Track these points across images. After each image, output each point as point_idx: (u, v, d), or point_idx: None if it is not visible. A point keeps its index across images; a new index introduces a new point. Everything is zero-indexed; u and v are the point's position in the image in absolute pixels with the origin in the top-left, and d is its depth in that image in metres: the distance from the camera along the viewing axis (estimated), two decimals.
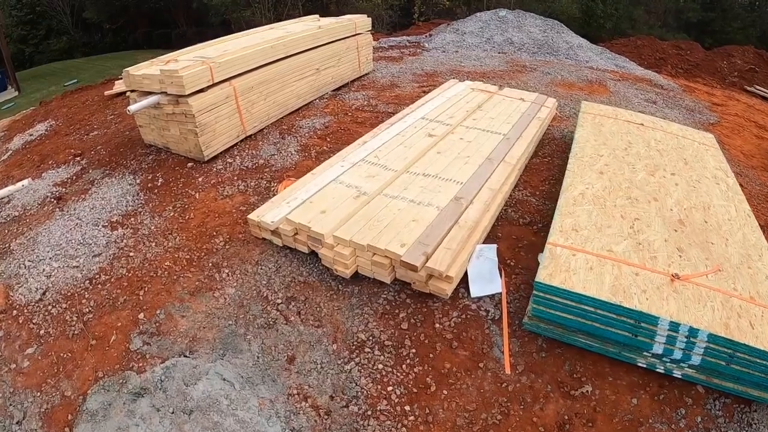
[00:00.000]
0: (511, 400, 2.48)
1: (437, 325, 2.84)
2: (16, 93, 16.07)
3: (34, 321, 3.23)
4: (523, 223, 3.72)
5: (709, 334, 2.31)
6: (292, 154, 4.61)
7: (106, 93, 6.57)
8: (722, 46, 10.89)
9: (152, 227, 3.89)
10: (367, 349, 2.70)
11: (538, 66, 7.77)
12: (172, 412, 2.39)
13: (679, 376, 2.49)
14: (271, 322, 2.86)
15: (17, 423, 2.61)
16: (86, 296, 3.32)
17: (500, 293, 3.06)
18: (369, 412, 2.43)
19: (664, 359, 2.48)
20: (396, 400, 2.48)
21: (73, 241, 3.88)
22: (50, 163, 4.99)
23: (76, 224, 4.06)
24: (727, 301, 2.53)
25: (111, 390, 2.59)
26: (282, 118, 5.36)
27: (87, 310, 3.21)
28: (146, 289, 3.24)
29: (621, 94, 6.93)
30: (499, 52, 8.49)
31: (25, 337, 3.14)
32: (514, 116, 4.89)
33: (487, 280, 3.11)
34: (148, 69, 4.66)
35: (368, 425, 2.37)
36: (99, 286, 3.39)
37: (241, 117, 4.82)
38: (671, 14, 17.84)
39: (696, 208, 3.45)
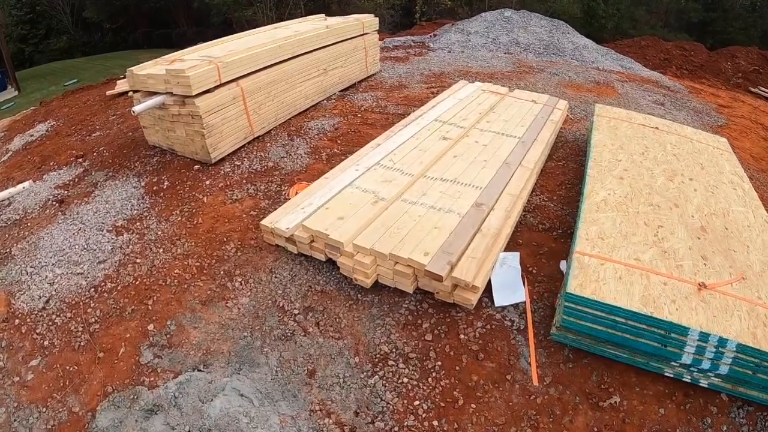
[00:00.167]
0: (540, 412, 2.41)
1: (462, 336, 2.74)
2: (16, 93, 15.87)
3: (37, 331, 3.09)
4: (543, 228, 3.63)
5: (737, 344, 2.27)
6: (301, 157, 4.48)
7: (108, 93, 6.41)
8: (723, 46, 10.89)
9: (159, 232, 3.76)
10: (390, 362, 2.59)
11: (545, 67, 7.69)
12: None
13: (706, 386, 2.45)
14: (288, 334, 2.74)
15: None
16: (92, 305, 3.19)
17: (524, 302, 2.97)
18: (396, 429, 2.32)
19: (691, 369, 2.43)
20: (423, 415, 2.38)
21: (77, 247, 3.74)
22: (51, 164, 4.84)
23: (80, 229, 3.92)
24: (753, 309, 2.48)
25: (122, 406, 2.46)
26: (290, 119, 5.23)
27: (93, 320, 3.08)
28: (155, 298, 3.11)
29: (629, 96, 6.87)
30: (505, 53, 8.41)
31: (29, 347, 3.00)
32: (528, 119, 4.80)
33: (510, 289, 3.02)
34: (152, 69, 4.52)
35: None
36: (105, 294, 3.26)
37: (248, 118, 4.69)
38: (673, 14, 17.86)
39: (716, 215, 3.41)
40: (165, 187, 4.28)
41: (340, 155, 4.46)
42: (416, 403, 2.44)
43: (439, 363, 2.60)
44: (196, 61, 4.35)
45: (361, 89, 6.21)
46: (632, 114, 5.12)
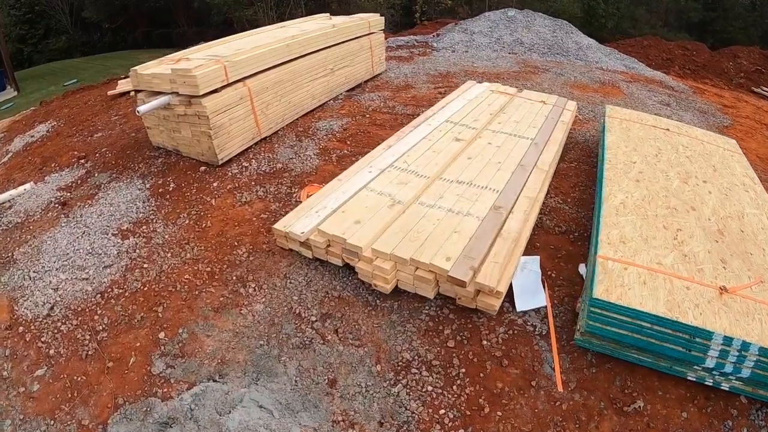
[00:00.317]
0: (566, 419, 2.37)
1: (485, 342, 2.67)
2: (15, 93, 15.70)
3: (42, 339, 2.98)
4: (559, 231, 3.57)
5: (760, 348, 2.27)
6: (311, 158, 4.39)
7: (109, 93, 6.28)
8: (724, 45, 10.91)
9: (166, 236, 3.65)
10: (413, 370, 2.51)
11: (550, 67, 7.65)
12: None
13: (727, 389, 2.45)
14: (306, 342, 2.65)
15: None
16: (98, 312, 3.09)
17: (545, 307, 2.92)
18: None
19: (713, 372, 2.42)
20: (450, 425, 2.31)
21: (81, 251, 3.63)
22: (53, 165, 4.71)
23: (84, 232, 3.81)
24: None
25: (135, 419, 2.37)
26: (297, 119, 5.14)
27: (100, 327, 2.97)
28: (165, 305, 3.01)
29: (635, 96, 6.84)
30: (509, 53, 8.36)
31: (34, 356, 2.89)
32: (539, 120, 4.74)
33: (531, 293, 2.97)
34: (157, 68, 4.41)
35: None
36: (112, 300, 3.15)
37: (255, 118, 4.59)
38: (672, 14, 17.89)
39: (731, 218, 3.39)
40: (171, 189, 4.17)
41: (350, 156, 4.38)
42: (442, 411, 2.37)
43: (463, 370, 2.54)
44: (203, 61, 4.25)
45: (367, 89, 6.13)
46: (642, 115, 5.08)
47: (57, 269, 3.49)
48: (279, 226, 3.16)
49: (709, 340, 2.33)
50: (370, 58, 6.30)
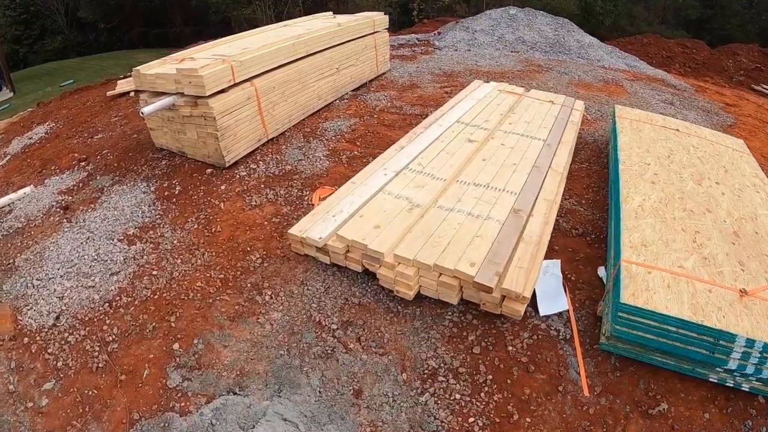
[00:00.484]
0: (594, 423, 2.36)
1: (510, 348, 2.62)
2: (11, 94, 15.41)
3: (49, 350, 2.87)
4: (576, 234, 3.53)
5: None
6: (321, 160, 4.30)
7: (108, 93, 6.12)
8: (722, 43, 10.97)
9: (175, 241, 3.54)
10: (440, 378, 2.45)
11: (553, 66, 7.62)
12: None
13: (747, 390, 2.46)
14: (329, 351, 2.57)
15: None
16: (107, 322, 2.98)
17: (567, 311, 2.88)
18: None
19: (734, 374, 2.43)
20: None
21: (86, 257, 3.51)
22: (53, 168, 4.56)
23: (88, 238, 3.69)
24: None
25: None
26: (303, 120, 5.05)
27: (110, 338, 2.87)
28: (178, 314, 2.91)
29: (639, 95, 6.84)
30: (511, 51, 8.32)
31: (41, 369, 2.78)
32: (549, 120, 4.70)
33: (553, 297, 2.92)
34: (160, 68, 4.29)
35: None
36: (121, 309, 3.04)
37: (262, 119, 4.49)
38: (670, 11, 17.97)
39: (745, 219, 3.40)
40: (177, 192, 4.06)
41: (360, 158, 4.30)
42: (471, 420, 2.31)
43: (490, 377, 2.49)
44: (209, 60, 4.13)
45: (372, 89, 6.04)
46: (651, 115, 5.07)
47: (61, 276, 3.37)
48: (295, 231, 3.07)
49: (733, 343, 2.34)
50: (374, 57, 6.21)
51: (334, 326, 2.70)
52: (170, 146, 4.56)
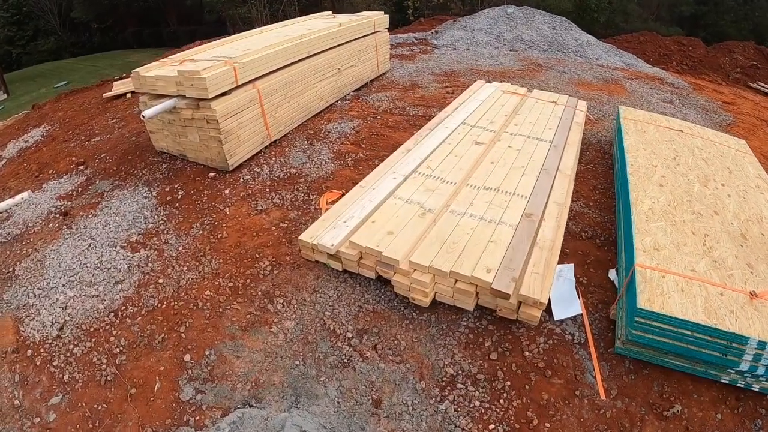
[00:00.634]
0: (611, 426, 2.37)
1: (527, 353, 2.61)
2: (5, 96, 15.09)
3: (54, 363, 2.79)
4: (586, 237, 3.53)
5: None
6: (326, 163, 4.25)
7: (105, 95, 5.98)
8: (716, 39, 11.04)
9: (180, 248, 3.47)
10: (459, 385, 2.43)
11: (552, 64, 7.62)
12: None
13: (757, 390, 2.50)
14: (345, 360, 2.53)
15: None
16: (114, 333, 2.90)
17: (581, 314, 2.88)
18: None
19: (745, 375, 2.47)
20: None
21: (89, 265, 3.42)
22: (50, 172, 4.45)
23: (89, 245, 3.60)
24: None
25: None
26: (306, 121, 4.98)
27: (118, 350, 2.80)
28: (187, 324, 2.85)
29: (639, 94, 6.86)
30: (510, 50, 8.30)
31: (47, 383, 2.70)
32: (553, 121, 4.69)
33: (567, 301, 2.92)
34: (161, 70, 4.20)
35: None
36: (128, 320, 2.97)
37: (265, 122, 4.42)
38: (665, 8, 18.10)
39: (752, 221, 3.44)
40: (180, 197, 3.98)
41: (366, 160, 4.25)
42: (491, 427, 2.30)
43: (509, 383, 2.48)
44: (210, 62, 4.05)
45: (374, 89, 5.98)
46: (655, 116, 5.08)
47: (63, 285, 3.29)
48: (305, 237, 3.02)
49: (745, 345, 2.37)
50: (375, 57, 6.15)
51: (350, 334, 2.66)
52: (171, 149, 4.48)
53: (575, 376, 2.57)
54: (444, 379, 2.46)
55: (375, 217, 3.00)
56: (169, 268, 3.30)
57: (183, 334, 2.78)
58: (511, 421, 2.34)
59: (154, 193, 4.06)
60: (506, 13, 8.88)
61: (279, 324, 2.76)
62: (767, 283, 2.73)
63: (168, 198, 3.99)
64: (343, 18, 5.94)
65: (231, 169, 4.16)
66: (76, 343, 2.89)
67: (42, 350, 2.87)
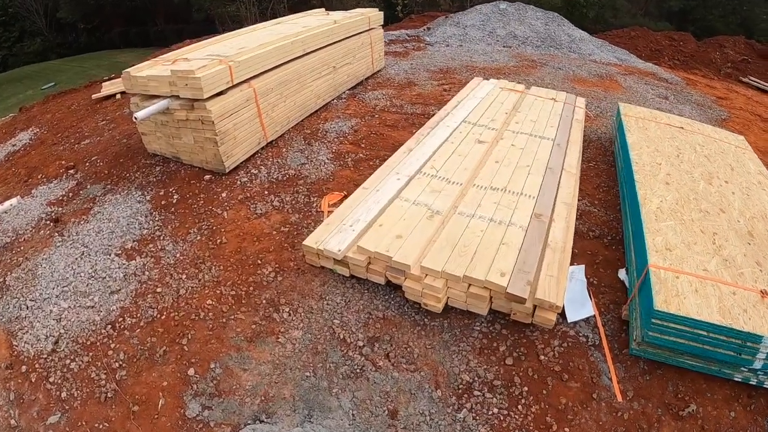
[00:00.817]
0: (629, 428, 2.35)
1: (542, 357, 2.57)
2: None
3: (50, 380, 2.67)
4: (593, 236, 3.49)
5: None
6: (325, 163, 4.14)
7: (94, 96, 5.77)
8: (705, 33, 11.14)
9: (177, 255, 3.35)
10: (476, 392, 2.37)
11: (547, 60, 7.59)
12: None
13: None
14: (357, 370, 2.45)
15: None
16: (112, 346, 2.78)
17: (593, 316, 2.84)
18: None
19: (758, 372, 2.47)
20: None
21: (82, 274, 3.29)
22: (40, 177, 4.27)
23: (82, 253, 3.46)
24: None
25: None
26: (302, 121, 4.86)
27: (117, 364, 2.68)
28: (190, 336, 2.74)
29: (634, 90, 6.87)
30: (504, 46, 8.25)
31: (43, 400, 2.58)
32: (554, 119, 4.65)
33: (579, 303, 2.88)
34: (152, 70, 4.05)
35: None
36: (126, 332, 2.85)
37: (261, 122, 4.30)
38: (653, 2, 18.24)
39: (757, 218, 3.45)
40: (175, 201, 3.85)
41: (366, 161, 4.16)
42: None
43: (526, 388, 2.43)
44: (205, 61, 3.91)
45: (369, 87, 5.88)
46: (655, 113, 5.08)
47: (57, 296, 3.15)
48: (310, 242, 2.93)
49: (759, 344, 2.38)
50: (370, 54, 6.05)
51: (360, 343, 2.58)
52: (164, 152, 4.33)
53: (591, 378, 2.53)
54: (460, 386, 2.40)
55: (382, 220, 2.92)
56: (167, 277, 3.18)
57: (185, 347, 2.68)
58: (531, 428, 2.30)
59: (148, 198, 3.92)
60: (499, 9, 8.83)
61: (286, 333, 2.67)
62: None
63: (163, 202, 3.85)
64: (338, 15, 5.82)
65: (227, 171, 4.04)
66: (72, 357, 2.76)
67: (37, 366, 2.74)
